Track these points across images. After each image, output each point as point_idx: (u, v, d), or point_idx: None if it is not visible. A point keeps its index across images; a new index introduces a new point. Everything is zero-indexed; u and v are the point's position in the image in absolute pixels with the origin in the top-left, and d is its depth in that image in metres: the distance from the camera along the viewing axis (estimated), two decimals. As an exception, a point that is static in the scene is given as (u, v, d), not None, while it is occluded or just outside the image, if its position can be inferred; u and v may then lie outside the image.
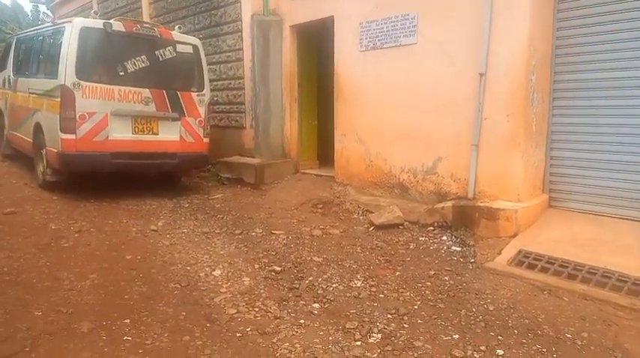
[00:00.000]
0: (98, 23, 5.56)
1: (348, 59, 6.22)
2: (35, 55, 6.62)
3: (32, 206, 5.31)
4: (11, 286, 3.29)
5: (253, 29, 7.13)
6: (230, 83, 7.84)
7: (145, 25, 6.09)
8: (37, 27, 7.65)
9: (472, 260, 4.20)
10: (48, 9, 17.17)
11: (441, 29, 5.17)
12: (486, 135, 4.81)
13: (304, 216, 5.64)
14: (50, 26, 6.49)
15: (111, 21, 5.67)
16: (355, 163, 6.25)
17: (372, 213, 5.39)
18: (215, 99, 7.67)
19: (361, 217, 5.52)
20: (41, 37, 6.54)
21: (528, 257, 4.01)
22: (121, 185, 6.20)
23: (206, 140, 6.41)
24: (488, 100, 4.77)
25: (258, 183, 6.92)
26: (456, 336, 2.90)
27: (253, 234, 4.89)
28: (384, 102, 5.80)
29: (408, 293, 3.51)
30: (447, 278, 3.81)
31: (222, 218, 5.47)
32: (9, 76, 7.38)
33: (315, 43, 7.42)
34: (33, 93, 6.27)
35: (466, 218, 4.75)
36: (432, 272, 3.91)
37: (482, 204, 4.69)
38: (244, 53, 7.44)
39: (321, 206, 5.95)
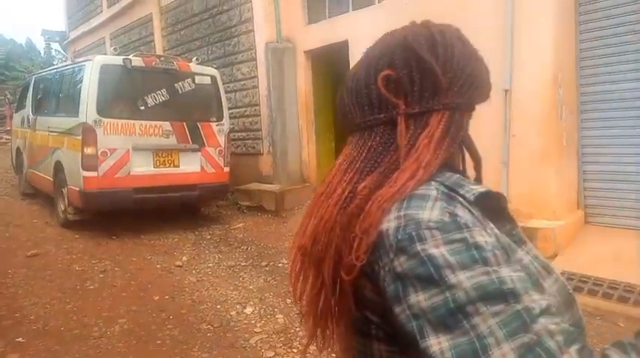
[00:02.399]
0: (118, 60, 5.58)
1: (365, 81, 6.16)
2: (55, 94, 6.68)
3: (55, 246, 5.26)
4: (40, 336, 3.19)
5: (267, 57, 7.14)
6: (246, 110, 7.83)
7: (163, 58, 6.12)
8: (56, 66, 7.75)
9: (511, 283, 4.02)
10: (61, 46, 17.60)
11: (460, 47, 5.08)
12: (515, 152, 4.68)
13: (330, 242, 5.50)
14: (70, 64, 6.55)
15: (130, 56, 5.70)
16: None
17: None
18: (232, 126, 7.64)
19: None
20: (61, 76, 6.60)
21: (573, 279, 3.82)
22: (140, 218, 6.14)
23: (226, 169, 6.35)
24: (515, 116, 4.65)
25: (278, 210, 6.82)
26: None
27: (280, 265, 4.76)
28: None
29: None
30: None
31: (247, 249, 5.36)
32: (28, 115, 7.45)
33: (330, 67, 7.39)
34: (53, 132, 6.29)
35: (500, 239, 4.58)
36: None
37: (516, 224, 4.52)
38: (259, 80, 7.44)
39: (346, 231, 5.81)
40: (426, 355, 0.53)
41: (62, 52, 17.78)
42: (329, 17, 6.81)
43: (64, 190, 5.85)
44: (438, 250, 0.55)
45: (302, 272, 0.71)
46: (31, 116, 7.32)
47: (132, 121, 5.53)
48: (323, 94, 7.43)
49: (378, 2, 6.04)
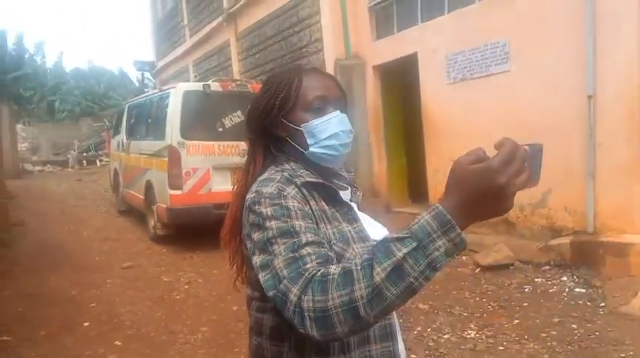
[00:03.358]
0: (198, 86, 6.04)
1: (435, 93, 6.09)
2: (144, 120, 7.32)
3: (146, 259, 5.71)
4: (134, 340, 3.49)
5: (336, 73, 7.28)
6: (318, 128, 8.01)
7: (238, 82, 6.49)
8: (145, 94, 8.50)
9: (602, 303, 3.73)
10: (151, 75, 19.19)
11: (536, 53, 4.87)
12: (602, 162, 4.36)
13: (403, 258, 5.44)
14: (157, 92, 7.17)
15: (209, 82, 6.13)
16: (452, 200, 5.96)
17: (476, 252, 5.05)
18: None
19: (464, 257, 5.19)
20: (150, 103, 7.24)
21: (674, 299, 3.47)
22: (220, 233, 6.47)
23: (297, 185, 6.54)
24: (599, 124, 4.35)
25: (351, 225, 6.86)
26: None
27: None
28: (478, 133, 5.51)
29: (531, 345, 3.17)
30: (574, 325, 3.40)
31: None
32: (122, 139, 8.22)
33: (399, 81, 7.39)
34: (144, 154, 6.89)
35: (588, 255, 4.27)
36: (557, 320, 3.51)
37: (606, 240, 4.19)
38: (330, 98, 7.60)
39: (419, 246, 5.71)
40: (254, 266, 0.92)
41: (152, 80, 19.41)
42: (397, 31, 6.83)
43: (154, 207, 6.36)
44: (265, 209, 0.93)
45: (230, 244, 1.12)
46: (125, 140, 8.07)
47: (211, 142, 5.91)
48: (393, 110, 7.43)
49: (448, 13, 5.96)
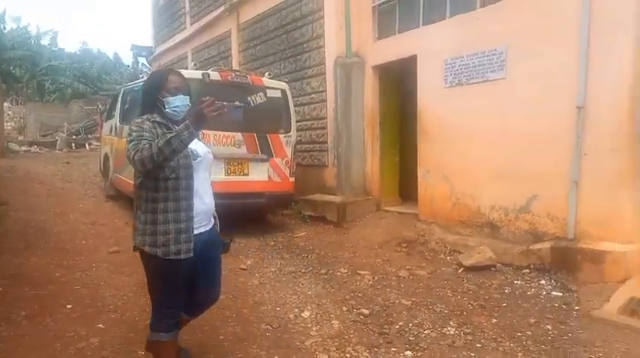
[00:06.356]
0: (197, 74, 6.04)
1: (432, 96, 6.19)
2: (140, 105, 7.29)
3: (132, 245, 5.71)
4: (117, 324, 3.52)
5: (336, 71, 7.37)
6: (313, 123, 8.10)
7: (238, 73, 6.53)
8: (142, 79, 8.47)
9: (576, 307, 3.87)
10: (147, 61, 19.07)
11: (531, 63, 4.99)
12: (587, 171, 4.50)
13: (388, 255, 5.56)
14: (154, 78, 7.15)
15: (209, 71, 6.15)
16: (440, 201, 6.10)
17: (460, 253, 5.19)
18: (298, 138, 7.94)
19: (448, 257, 5.33)
20: (146, 88, 7.21)
21: (645, 306, 3.62)
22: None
23: (292, 179, 6.62)
24: (588, 135, 4.49)
25: (340, 221, 6.97)
26: (568, 396, 2.65)
27: (339, 273, 4.89)
28: (471, 138, 5.66)
29: (507, 343, 3.29)
30: (549, 327, 3.53)
31: (307, 257, 5.54)
32: (116, 124, 8.20)
33: (397, 82, 7.49)
34: (136, 139, 6.88)
35: (566, 260, 4.42)
36: (533, 320, 3.64)
37: (585, 246, 4.34)
38: (327, 94, 7.69)
39: (405, 245, 5.84)
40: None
41: (148, 66, 19.28)
42: (399, 32, 6.91)
43: (143, 193, 6.36)
44: (134, 127, 2.32)
45: None
46: (118, 125, 8.05)
47: (207, 131, 5.94)
48: (389, 109, 7.53)
49: (449, 17, 6.06)
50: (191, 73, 6.17)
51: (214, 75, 6.09)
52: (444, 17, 6.14)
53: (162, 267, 2.38)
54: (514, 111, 5.16)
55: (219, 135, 6.01)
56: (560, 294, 4.13)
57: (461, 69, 5.75)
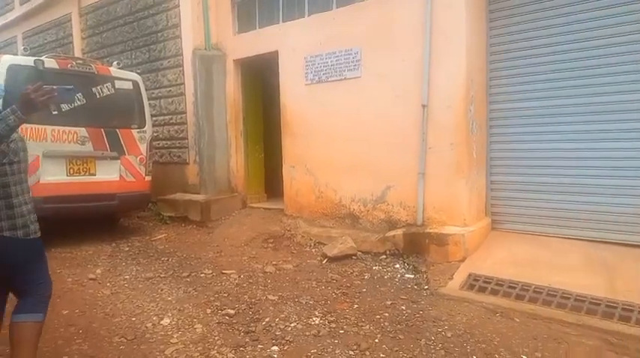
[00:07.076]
0: (29, 60, 5.23)
1: (294, 92, 6.27)
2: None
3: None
4: None
5: (195, 64, 7.04)
6: (171, 118, 7.64)
7: (80, 61, 5.83)
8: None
9: (426, 286, 4.24)
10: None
11: (383, 63, 5.34)
12: (431, 163, 4.97)
13: (255, 252, 5.50)
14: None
15: (43, 58, 5.38)
16: (305, 195, 6.22)
17: (325, 244, 5.35)
18: (155, 134, 7.43)
19: (314, 250, 5.46)
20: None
21: (478, 280, 4.12)
22: (53, 230, 5.75)
23: (148, 178, 6.15)
24: (431, 131, 4.95)
25: (204, 220, 6.70)
26: (420, 369, 2.87)
27: (202, 275, 4.67)
28: (331, 133, 5.86)
29: (367, 327, 3.46)
30: (403, 307, 3.81)
31: (167, 260, 5.20)
32: None
33: (260, 77, 7.44)
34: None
35: (417, 245, 4.83)
36: (389, 302, 3.89)
37: (431, 231, 4.79)
38: (186, 88, 7.31)
39: (272, 241, 5.83)
40: None
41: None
42: (260, 27, 6.86)
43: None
44: None
45: None
46: None
47: (43, 126, 5.20)
48: (253, 105, 7.44)
49: (308, 15, 6.19)
50: (19, 59, 5.33)
51: (50, 62, 5.35)
52: (303, 15, 6.26)
53: None
54: (369, 108, 5.47)
55: (59, 131, 5.30)
56: (413, 276, 4.49)
57: (321, 66, 5.92)
